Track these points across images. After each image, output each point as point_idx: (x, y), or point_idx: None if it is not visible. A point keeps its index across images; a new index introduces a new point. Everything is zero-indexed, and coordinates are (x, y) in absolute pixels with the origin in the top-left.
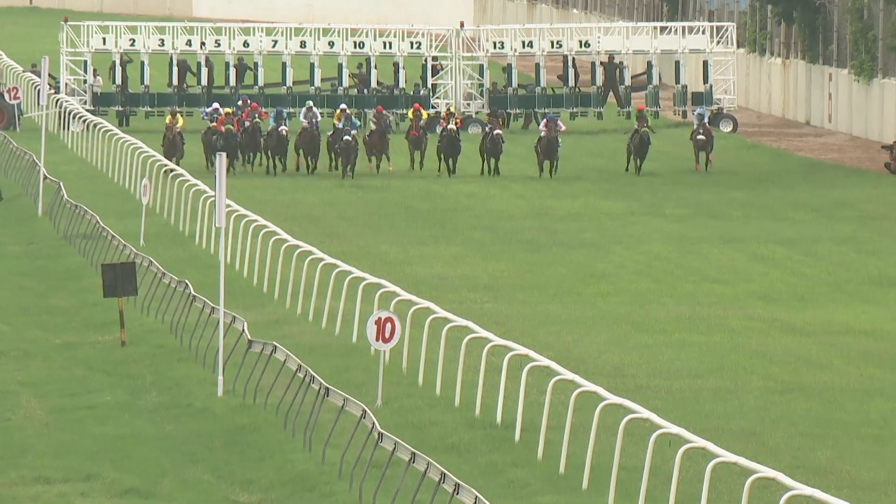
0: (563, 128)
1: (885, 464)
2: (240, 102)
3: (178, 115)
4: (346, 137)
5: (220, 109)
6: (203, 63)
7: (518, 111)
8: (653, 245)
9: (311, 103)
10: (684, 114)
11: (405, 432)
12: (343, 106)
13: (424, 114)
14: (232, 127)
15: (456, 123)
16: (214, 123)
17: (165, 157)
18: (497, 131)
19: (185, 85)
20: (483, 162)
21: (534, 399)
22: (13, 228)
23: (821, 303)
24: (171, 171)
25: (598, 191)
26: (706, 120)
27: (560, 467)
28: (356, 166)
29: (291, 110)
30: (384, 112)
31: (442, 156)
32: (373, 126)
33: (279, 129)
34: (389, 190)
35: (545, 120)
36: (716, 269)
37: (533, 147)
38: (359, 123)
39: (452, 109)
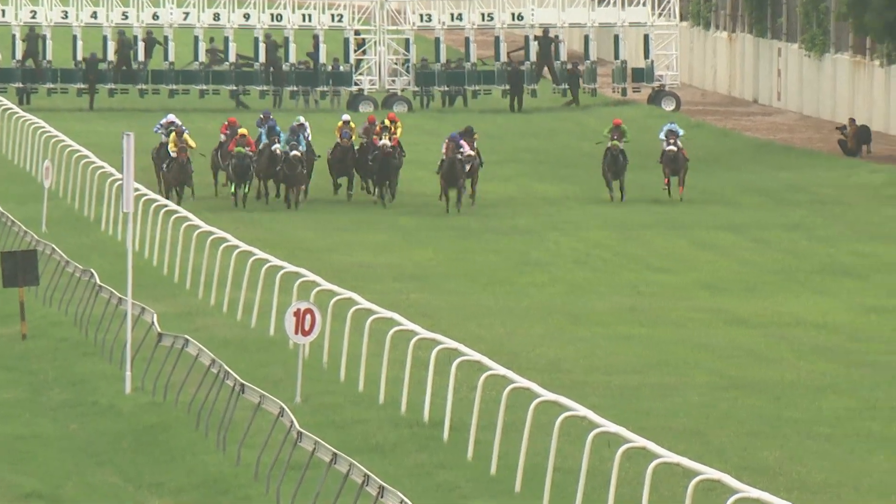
0: (468, 150)
1: (837, 464)
2: (262, 116)
3: (186, 134)
4: (294, 153)
5: (178, 121)
6: (109, 38)
7: (447, 88)
8: (591, 231)
9: (347, 119)
10: (624, 91)
11: (326, 431)
12: (303, 120)
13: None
14: (244, 149)
15: (391, 139)
16: (170, 142)
17: (164, 189)
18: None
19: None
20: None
21: (463, 396)
22: None
23: (770, 293)
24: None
25: (532, 173)
26: (679, 138)
27: (491, 469)
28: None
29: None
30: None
31: (373, 179)
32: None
33: (272, 147)
34: None
35: (446, 140)
36: (658, 257)
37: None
38: (304, 143)
39: (388, 122)
